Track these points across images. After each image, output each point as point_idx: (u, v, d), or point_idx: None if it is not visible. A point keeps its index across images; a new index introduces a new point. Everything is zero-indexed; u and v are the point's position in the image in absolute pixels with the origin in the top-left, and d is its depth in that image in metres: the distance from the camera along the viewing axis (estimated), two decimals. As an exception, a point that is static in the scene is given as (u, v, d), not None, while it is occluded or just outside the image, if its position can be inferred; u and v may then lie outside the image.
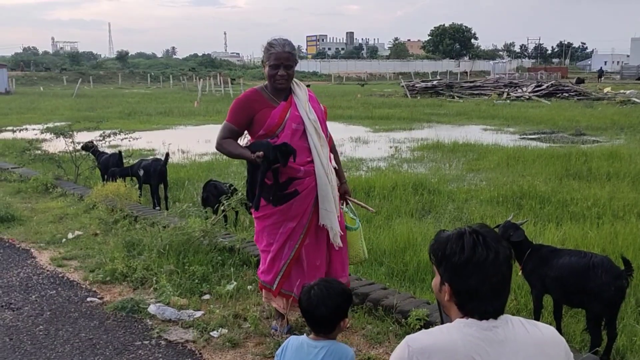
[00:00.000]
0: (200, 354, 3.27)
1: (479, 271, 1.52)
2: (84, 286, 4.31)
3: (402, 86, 33.56)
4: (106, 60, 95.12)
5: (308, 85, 4.81)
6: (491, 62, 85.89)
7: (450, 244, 1.57)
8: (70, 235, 5.48)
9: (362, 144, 13.48)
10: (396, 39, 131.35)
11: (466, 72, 61.19)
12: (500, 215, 6.10)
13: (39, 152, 8.82)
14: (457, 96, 29.48)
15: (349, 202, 3.62)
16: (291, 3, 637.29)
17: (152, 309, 3.75)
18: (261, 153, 3.06)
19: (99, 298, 4.08)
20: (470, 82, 34.97)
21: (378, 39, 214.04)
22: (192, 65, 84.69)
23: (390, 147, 12.46)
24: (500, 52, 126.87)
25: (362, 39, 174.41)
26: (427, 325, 3.35)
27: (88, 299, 4.06)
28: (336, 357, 2.08)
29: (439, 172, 9.20)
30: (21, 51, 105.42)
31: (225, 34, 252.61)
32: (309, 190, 3.21)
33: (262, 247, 3.37)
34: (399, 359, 1.52)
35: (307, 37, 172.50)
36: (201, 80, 36.19)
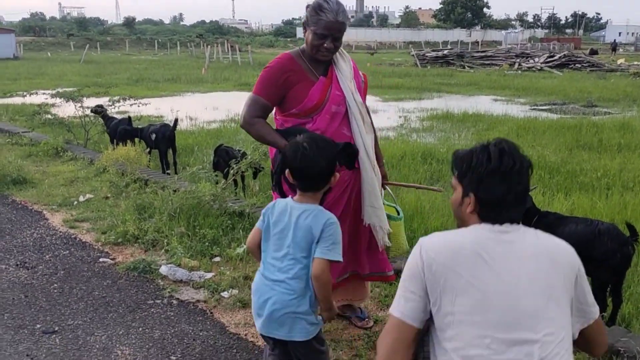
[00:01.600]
0: (211, 313, 3.33)
1: (504, 180, 1.58)
2: (96, 247, 4.38)
3: (412, 55, 33.20)
4: (113, 26, 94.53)
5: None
6: (503, 32, 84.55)
7: (475, 155, 1.62)
8: (81, 198, 5.54)
9: (372, 113, 13.35)
10: (407, 7, 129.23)
11: (477, 42, 60.25)
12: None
13: (49, 116, 8.83)
14: (468, 66, 29.16)
15: (387, 187, 3.16)
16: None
17: (163, 269, 3.82)
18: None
19: (111, 259, 4.15)
20: (482, 52, 34.49)
21: (388, 7, 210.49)
22: (199, 32, 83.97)
23: (400, 117, 12.39)
24: (513, 22, 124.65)
25: (372, 7, 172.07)
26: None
27: (100, 260, 4.13)
28: (318, 220, 2.09)
29: (448, 141, 9.18)
30: (28, 16, 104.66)
31: (233, 0, 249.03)
32: (344, 186, 2.77)
33: None
34: (413, 258, 1.60)
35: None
36: (209, 47, 35.86)
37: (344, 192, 2.79)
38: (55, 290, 3.63)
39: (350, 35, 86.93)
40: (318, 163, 2.09)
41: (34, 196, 5.74)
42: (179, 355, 2.90)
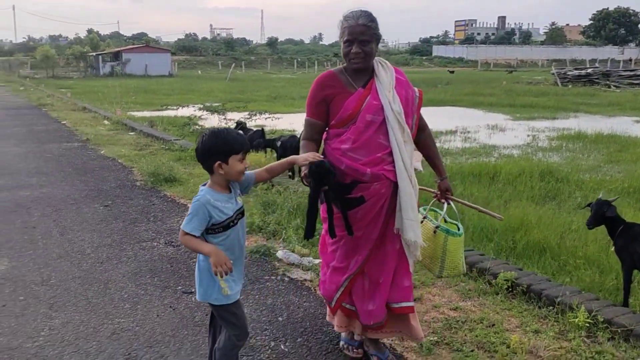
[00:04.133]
0: (314, 290, 3.92)
1: None
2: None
3: (553, 74, 31.83)
4: (257, 46, 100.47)
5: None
6: (662, 49, 77.40)
7: None
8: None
9: (498, 132, 13.37)
10: (553, 23, 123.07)
11: (630, 60, 55.82)
12: (625, 205, 6.02)
13: (197, 126, 10.10)
14: (614, 85, 27.40)
15: (452, 202, 3.03)
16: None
17: (279, 254, 4.50)
18: (305, 172, 2.58)
19: (239, 244, 4.92)
20: (630, 70, 32.08)
21: (532, 23, 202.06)
22: (336, 51, 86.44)
23: (528, 136, 12.26)
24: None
25: (515, 24, 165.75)
26: (514, 286, 3.69)
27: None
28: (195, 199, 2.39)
29: (574, 162, 9.03)
30: (183, 37, 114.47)
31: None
32: (378, 197, 2.66)
33: (325, 255, 2.97)
34: None
35: (455, 21, 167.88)
36: (344, 65, 37.18)
37: (380, 209, 2.70)
38: (193, 263, 4.41)
39: (490, 52, 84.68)
40: (198, 149, 2.43)
41: (181, 192, 6.76)
42: (285, 317, 3.52)
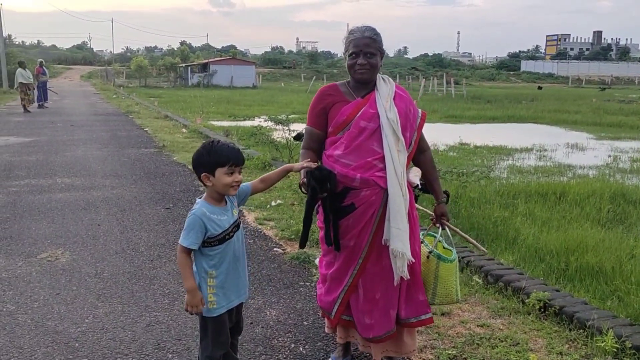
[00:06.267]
0: (344, 298, 3.97)
1: None
2: (273, 240, 5.36)
3: (648, 92, 30.00)
4: (341, 59, 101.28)
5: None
6: None
7: None
8: (273, 203, 6.65)
9: (578, 151, 12.84)
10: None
11: None
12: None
13: (263, 137, 10.42)
14: None
15: (447, 227, 2.97)
16: (533, 0, 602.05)
17: (317, 261, 4.57)
18: (303, 179, 2.60)
19: (282, 249, 5.07)
20: None
21: (631, 39, 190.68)
22: (420, 65, 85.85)
23: (609, 156, 11.68)
24: None
25: (612, 39, 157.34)
26: (546, 307, 3.57)
27: (274, 249, 5.08)
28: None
29: (654, 185, 8.51)
30: (270, 50, 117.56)
31: (458, 33, 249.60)
32: (368, 204, 2.66)
33: (322, 266, 2.97)
34: None
35: (546, 36, 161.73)
36: (424, 79, 36.93)
37: (371, 218, 2.68)
38: (235, 266, 4.63)
39: (582, 68, 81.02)
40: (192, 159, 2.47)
41: (240, 198, 7.01)
42: (310, 322, 3.61)
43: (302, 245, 2.83)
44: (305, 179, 2.57)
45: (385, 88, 2.78)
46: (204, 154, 2.41)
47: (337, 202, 2.65)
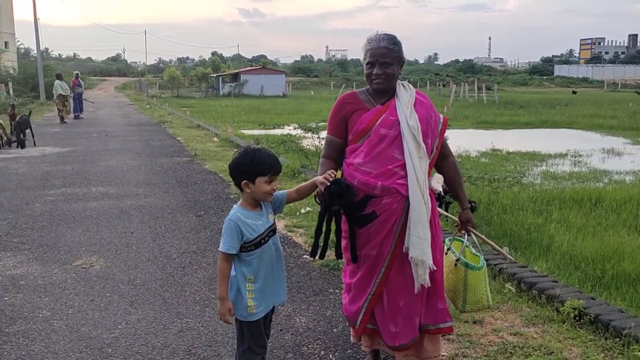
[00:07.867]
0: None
1: None
2: (303, 247, 5.36)
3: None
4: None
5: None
6: None
7: None
8: (302, 210, 6.66)
9: (614, 156, 12.58)
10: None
11: None
12: None
13: (293, 144, 10.47)
14: None
15: (473, 234, 2.98)
16: (567, 4, 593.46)
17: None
18: (319, 189, 2.59)
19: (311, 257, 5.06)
20: None
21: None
22: (450, 71, 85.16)
23: (648, 161, 11.41)
24: None
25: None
26: (582, 315, 3.48)
27: (304, 256, 5.08)
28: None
29: (696, 190, 8.25)
30: (299, 59, 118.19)
31: (489, 38, 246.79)
32: (390, 212, 2.64)
33: (346, 275, 2.94)
34: None
35: (580, 40, 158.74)
36: (454, 85, 36.64)
37: (393, 226, 2.66)
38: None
39: (617, 72, 79.18)
40: (230, 166, 2.51)
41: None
42: (340, 329, 3.59)
43: (312, 255, 2.83)
44: (321, 190, 2.58)
45: (405, 94, 2.76)
46: (246, 162, 2.43)
47: (357, 210, 2.64)
